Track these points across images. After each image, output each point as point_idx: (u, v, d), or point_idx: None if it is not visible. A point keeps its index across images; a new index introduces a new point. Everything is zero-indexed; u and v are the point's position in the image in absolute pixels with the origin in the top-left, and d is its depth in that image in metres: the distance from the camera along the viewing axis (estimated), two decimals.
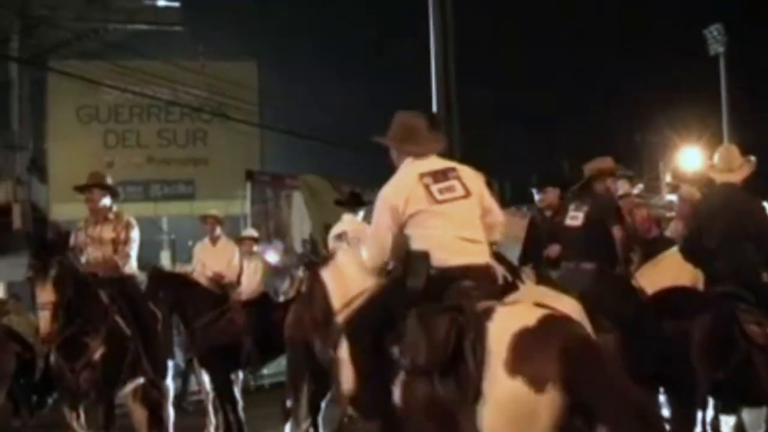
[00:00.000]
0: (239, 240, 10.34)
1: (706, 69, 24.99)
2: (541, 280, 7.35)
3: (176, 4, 24.27)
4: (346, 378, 4.76)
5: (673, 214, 9.63)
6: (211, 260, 9.97)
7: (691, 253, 6.27)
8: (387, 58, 23.35)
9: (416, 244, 4.56)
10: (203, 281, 9.72)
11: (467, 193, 4.59)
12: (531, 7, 28.05)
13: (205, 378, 9.63)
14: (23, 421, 11.21)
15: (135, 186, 21.62)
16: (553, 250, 7.40)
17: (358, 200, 9.27)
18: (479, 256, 4.54)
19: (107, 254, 7.44)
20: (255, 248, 10.05)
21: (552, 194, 8.03)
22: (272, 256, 14.09)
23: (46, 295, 6.34)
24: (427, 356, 4.21)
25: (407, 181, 4.65)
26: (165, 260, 20.98)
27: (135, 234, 7.53)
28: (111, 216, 7.53)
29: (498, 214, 4.80)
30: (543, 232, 7.87)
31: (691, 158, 23.88)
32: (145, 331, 7.23)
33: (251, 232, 10.70)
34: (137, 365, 7.18)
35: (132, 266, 7.61)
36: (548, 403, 3.93)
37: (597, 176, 7.16)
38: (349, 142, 20.12)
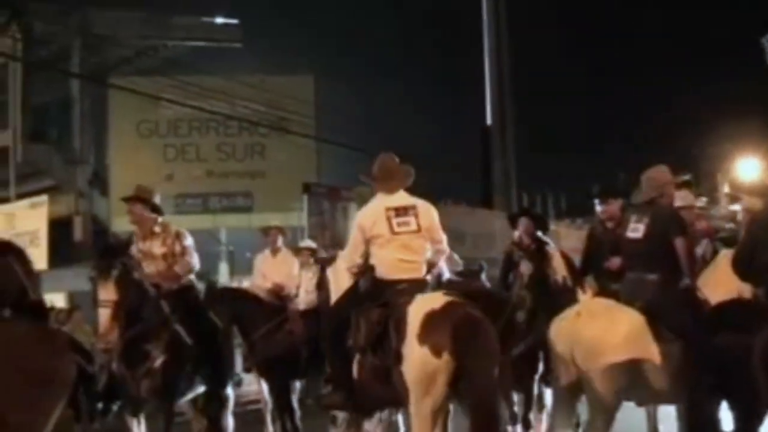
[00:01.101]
0: (297, 251, 10.42)
1: (764, 78, 24.58)
2: (603, 291, 7.36)
3: (234, 21, 24.66)
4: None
5: (732, 225, 9.50)
6: (272, 271, 10.07)
7: (741, 265, 6.17)
8: (442, 72, 23.37)
9: (371, 260, 6.20)
10: (262, 292, 9.82)
11: (418, 229, 6.13)
12: (587, 20, 27.90)
13: (264, 387, 9.73)
14: (84, 428, 11.42)
15: (194, 199, 21.98)
16: (615, 262, 7.31)
17: None
18: (413, 273, 6.14)
19: (160, 268, 7.45)
20: (311, 259, 10.11)
21: (614, 205, 7.88)
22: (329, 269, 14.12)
23: (107, 293, 6.48)
24: (364, 337, 5.99)
25: (375, 211, 6.23)
26: (223, 272, 21.24)
27: (188, 242, 7.56)
28: (157, 229, 7.54)
29: (443, 244, 6.34)
30: (604, 244, 7.76)
31: (749, 169, 23.51)
32: (205, 341, 7.30)
33: (309, 243, 10.76)
34: (197, 374, 7.28)
35: (192, 276, 7.68)
36: (444, 365, 5.53)
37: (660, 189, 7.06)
38: (402, 155, 20.17)
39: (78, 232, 22.56)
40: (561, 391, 6.50)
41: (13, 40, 22.83)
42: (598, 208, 8.07)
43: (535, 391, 8.25)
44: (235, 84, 21.08)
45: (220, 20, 24.66)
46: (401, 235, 6.09)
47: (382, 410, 7.30)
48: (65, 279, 8.21)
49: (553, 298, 7.77)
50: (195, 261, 7.55)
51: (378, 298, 6.07)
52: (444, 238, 6.34)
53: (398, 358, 5.69)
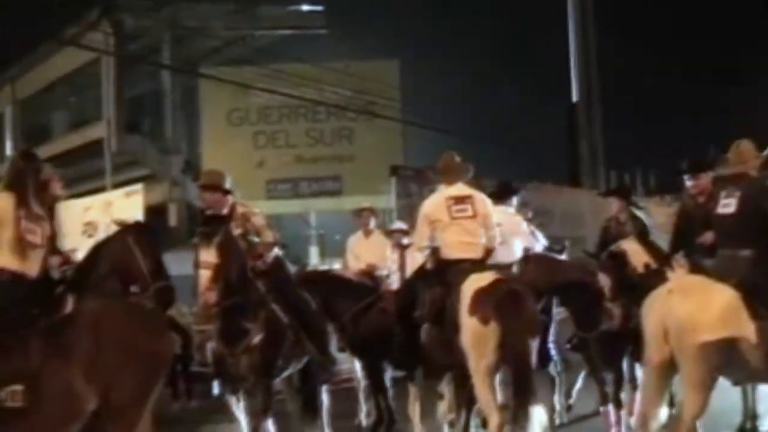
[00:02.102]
0: (388, 233, 10.52)
1: None
2: (695, 268, 7.26)
3: (319, 8, 24.87)
4: None
5: None
6: (365, 252, 10.23)
7: None
8: (526, 50, 23.16)
9: (436, 243, 7.32)
10: (355, 274, 9.97)
11: (474, 215, 7.28)
12: None
13: (357, 366, 9.89)
14: (182, 405, 11.81)
15: (284, 184, 22.33)
16: (707, 237, 7.20)
17: (509, 190, 9.31)
18: (472, 253, 7.22)
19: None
20: (404, 240, 10.23)
21: (704, 180, 7.73)
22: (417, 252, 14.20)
23: (208, 255, 6.57)
24: (428, 311, 7.17)
25: (437, 200, 7.51)
26: (313, 255, 21.52)
27: (259, 220, 7.59)
28: (225, 211, 7.57)
29: (495, 230, 7.44)
30: (695, 220, 7.62)
31: None
32: (300, 319, 7.42)
33: (400, 224, 10.85)
34: (293, 352, 7.41)
35: (279, 253, 7.74)
36: (491, 332, 6.53)
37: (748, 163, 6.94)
38: (489, 136, 20.15)
39: (172, 219, 23.10)
40: (653, 370, 6.45)
41: (104, 35, 23.42)
42: (688, 183, 7.95)
43: (626, 370, 8.25)
44: (322, 70, 21.28)
45: (305, 8, 24.90)
46: (459, 220, 7.25)
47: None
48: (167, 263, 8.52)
49: (639, 285, 7.70)
50: (270, 237, 7.59)
51: (442, 275, 7.20)
52: (495, 226, 7.47)
53: (456, 328, 6.75)
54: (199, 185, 7.83)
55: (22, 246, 5.48)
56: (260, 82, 21.02)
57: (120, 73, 24.87)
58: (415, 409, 7.88)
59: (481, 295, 6.69)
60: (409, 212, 18.37)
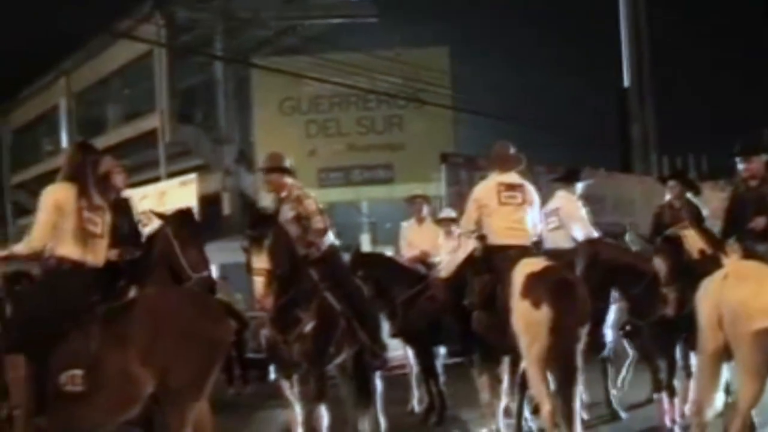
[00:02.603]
0: (438, 221, 10.56)
1: None
2: (748, 254, 7.18)
3: None
4: None
5: None
6: (417, 240, 10.29)
7: None
8: (577, 34, 22.92)
9: (483, 229, 7.43)
10: (407, 261, 10.03)
11: (523, 202, 7.38)
12: None
13: (409, 352, 9.96)
14: (237, 391, 11.99)
15: (336, 172, 22.44)
16: (759, 222, 7.13)
17: (575, 176, 9.31)
18: (519, 239, 7.31)
19: (295, 232, 7.55)
20: (453, 228, 10.26)
21: (757, 163, 7.50)
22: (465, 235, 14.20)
23: (261, 262, 6.66)
24: (478, 298, 7.31)
25: (488, 185, 7.57)
26: (365, 243, 21.60)
27: (311, 205, 7.61)
28: (284, 194, 7.70)
29: (537, 219, 7.59)
30: (747, 204, 7.50)
31: None
32: (353, 306, 7.47)
33: (450, 212, 10.89)
34: (346, 339, 7.44)
35: (330, 238, 7.75)
36: (543, 316, 6.60)
37: None
38: (539, 122, 20.04)
39: (226, 208, 23.36)
40: (707, 357, 6.42)
41: (157, 27, 23.70)
42: (740, 166, 7.71)
43: (680, 357, 8.20)
44: (372, 59, 21.29)
45: None
46: (507, 206, 7.35)
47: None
48: (216, 252, 8.66)
49: (695, 270, 7.64)
50: (319, 223, 7.59)
51: (490, 262, 7.35)
52: (542, 216, 7.79)
53: (507, 312, 6.87)
54: (263, 168, 7.87)
55: (83, 236, 5.59)
56: (312, 72, 21.12)
57: (173, 64, 25.15)
58: (483, 393, 7.86)
59: (533, 279, 6.78)
60: (459, 199, 18.37)
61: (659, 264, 7.87)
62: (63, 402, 5.34)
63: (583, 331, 6.82)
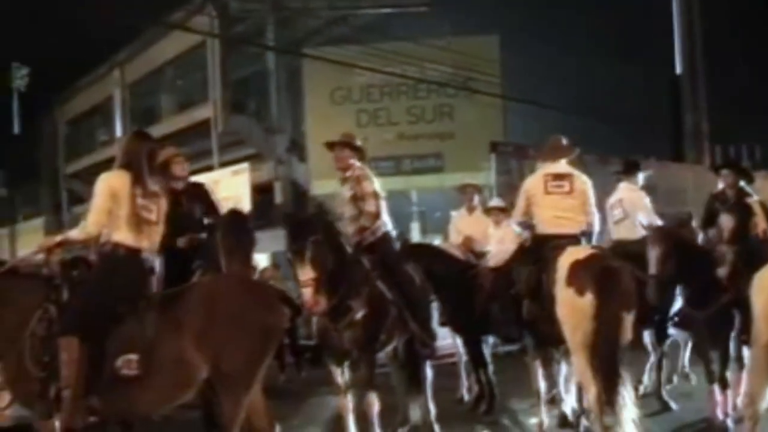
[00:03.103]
0: (487, 210, 10.59)
1: None
2: None
3: None
4: None
5: None
6: (467, 228, 10.32)
7: None
8: (628, 22, 22.66)
9: (533, 218, 7.52)
10: (457, 249, 10.07)
11: (570, 191, 7.37)
12: None
13: (458, 341, 10.01)
14: (289, 377, 12.10)
15: (387, 162, 22.43)
16: None
17: (635, 167, 9.30)
18: (566, 228, 7.30)
19: (350, 212, 7.67)
20: (502, 217, 10.27)
21: None
22: (515, 227, 14.17)
23: (305, 273, 6.67)
24: (525, 287, 7.42)
25: (537, 176, 7.64)
26: (414, 232, 21.65)
27: (368, 186, 7.61)
28: (348, 173, 7.74)
29: (591, 208, 7.49)
30: None
31: None
32: (404, 295, 7.49)
33: (499, 201, 10.90)
34: (396, 327, 7.50)
35: (385, 224, 7.74)
36: (587, 303, 6.65)
37: None
38: (590, 111, 19.88)
39: (278, 197, 23.52)
40: (760, 349, 6.37)
41: (210, 18, 23.96)
42: None
43: (733, 349, 8.14)
44: (423, 47, 21.27)
45: None
46: (553, 195, 7.41)
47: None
48: (268, 240, 8.75)
49: (756, 253, 7.60)
50: (372, 207, 7.59)
51: (537, 251, 7.43)
52: (594, 207, 7.56)
53: (552, 300, 6.94)
54: (333, 142, 7.82)
55: (137, 222, 5.71)
56: (362, 61, 21.17)
57: (225, 55, 25.38)
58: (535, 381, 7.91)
59: (578, 267, 6.84)
60: (508, 189, 18.37)
61: (726, 221, 7.86)
62: (118, 385, 5.48)
63: (628, 318, 6.81)
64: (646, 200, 9.23)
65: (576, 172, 7.59)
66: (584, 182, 7.55)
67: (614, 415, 6.65)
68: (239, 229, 7.49)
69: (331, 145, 7.85)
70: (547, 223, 7.43)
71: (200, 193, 8.01)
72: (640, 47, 22.52)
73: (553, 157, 7.69)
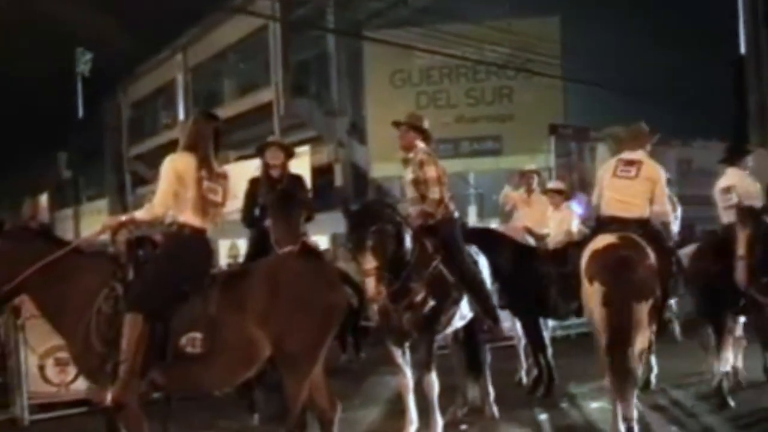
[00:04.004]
0: (545, 192, 10.58)
1: None
2: None
3: None
4: None
5: None
6: (526, 212, 10.35)
7: None
8: (691, 2, 22.27)
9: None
10: (515, 232, 10.09)
11: (636, 176, 7.35)
12: None
13: (517, 324, 10.04)
14: (350, 357, 12.25)
15: (445, 144, 22.43)
16: None
17: (740, 152, 9.22)
18: (625, 212, 7.30)
19: (412, 195, 7.68)
20: (561, 200, 10.25)
21: None
22: (576, 208, 14.11)
23: (367, 263, 6.66)
24: (573, 268, 7.39)
25: (611, 162, 7.70)
26: (471, 215, 21.62)
27: (432, 171, 7.55)
28: (411, 155, 7.70)
29: (659, 196, 7.42)
30: None
31: None
32: (465, 277, 7.49)
33: (557, 184, 10.87)
34: (457, 309, 7.50)
35: (449, 208, 7.70)
36: (595, 291, 6.86)
37: None
38: (651, 92, 19.63)
39: (338, 179, 23.66)
40: None
41: (271, 2, 24.08)
42: None
43: None
44: (483, 29, 21.18)
45: None
46: (620, 179, 7.43)
47: None
48: (328, 222, 8.81)
49: None
50: (435, 194, 7.53)
51: (597, 231, 7.44)
52: (664, 195, 7.51)
53: (579, 284, 7.18)
54: (400, 122, 7.81)
55: (203, 204, 5.78)
56: (422, 43, 21.15)
57: (287, 38, 25.58)
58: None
59: (594, 256, 7.02)
60: (567, 171, 18.33)
61: None
62: (182, 362, 5.58)
63: (640, 307, 6.80)
64: (757, 186, 9.18)
65: (649, 161, 7.54)
66: (653, 170, 7.47)
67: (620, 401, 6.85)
68: (286, 201, 7.66)
69: (397, 124, 7.85)
70: (607, 205, 7.48)
71: (295, 182, 8.41)
72: (702, 28, 22.14)
73: (632, 145, 7.66)
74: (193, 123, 6.04)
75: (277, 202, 7.90)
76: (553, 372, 9.41)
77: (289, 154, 8.56)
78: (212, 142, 5.95)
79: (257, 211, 8.31)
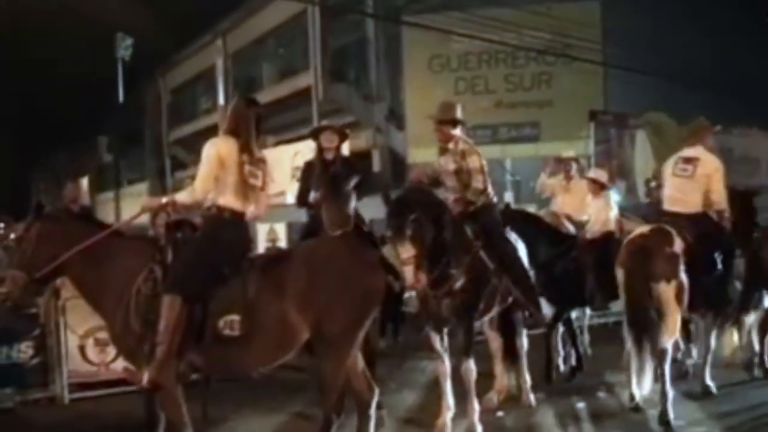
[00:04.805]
0: (585, 179, 10.47)
1: None
2: None
3: None
4: None
5: None
6: (565, 199, 10.29)
7: None
8: None
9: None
10: (554, 218, 10.04)
11: (692, 175, 7.97)
12: None
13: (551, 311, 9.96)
14: (388, 342, 12.29)
15: (483, 130, 22.29)
16: None
17: None
18: (679, 207, 7.99)
19: (452, 184, 7.69)
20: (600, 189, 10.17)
21: None
22: (615, 196, 13.97)
23: (406, 251, 6.62)
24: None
25: (671, 159, 8.30)
26: (508, 201, 21.47)
27: (475, 161, 7.58)
28: (451, 146, 7.71)
29: (714, 193, 7.97)
30: None
31: None
32: (506, 263, 7.49)
33: (598, 173, 10.78)
34: (496, 296, 7.53)
35: (489, 195, 7.74)
36: (620, 277, 7.86)
37: None
38: (694, 78, 19.39)
39: (376, 164, 23.65)
40: None
41: None
42: None
43: None
44: (522, 13, 20.99)
45: None
46: (677, 177, 8.06)
47: None
48: (366, 207, 8.83)
49: None
50: (479, 183, 7.57)
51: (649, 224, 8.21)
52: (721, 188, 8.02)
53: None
54: (435, 120, 7.80)
55: (244, 188, 5.82)
56: (461, 28, 21.02)
57: (326, 23, 25.55)
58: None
59: (625, 245, 7.95)
60: (607, 157, 18.15)
61: None
62: (220, 345, 5.64)
63: (659, 287, 7.46)
64: None
65: (706, 157, 8.10)
66: (710, 164, 8.05)
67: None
68: (338, 193, 7.70)
69: (433, 120, 7.84)
70: (665, 201, 8.21)
71: (349, 164, 8.56)
72: (745, 12, 21.80)
73: (692, 141, 8.25)
74: (233, 107, 6.05)
75: (329, 186, 7.94)
76: (582, 360, 9.52)
77: (344, 137, 8.56)
78: (253, 127, 5.97)
79: (311, 195, 8.36)
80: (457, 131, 7.75)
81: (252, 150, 5.92)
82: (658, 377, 7.53)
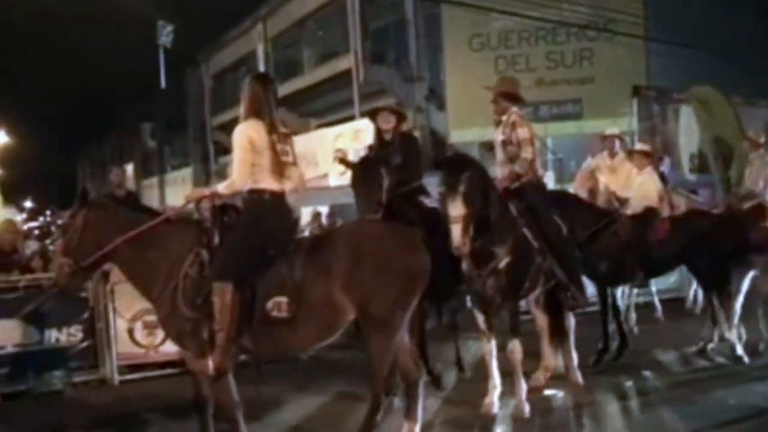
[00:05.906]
0: (630, 153, 10.40)
1: None
2: None
3: None
4: None
5: None
6: (609, 175, 10.20)
7: None
8: None
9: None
10: (596, 196, 9.96)
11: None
12: None
13: (593, 290, 9.88)
14: (434, 323, 12.30)
15: (525, 108, 22.14)
16: None
17: None
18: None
19: (501, 157, 7.72)
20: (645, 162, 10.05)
21: None
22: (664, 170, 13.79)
23: (456, 209, 6.65)
24: None
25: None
26: (549, 180, 21.31)
27: (525, 132, 7.60)
28: (504, 118, 7.75)
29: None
30: None
31: None
32: (550, 242, 7.45)
33: (643, 146, 10.65)
34: (541, 275, 7.50)
35: (536, 171, 7.73)
36: None
37: None
38: (738, 53, 19.08)
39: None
40: None
41: None
42: None
43: None
44: None
45: None
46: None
47: None
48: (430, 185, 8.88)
49: None
50: (528, 153, 7.56)
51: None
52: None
53: None
54: (494, 92, 7.86)
55: (279, 167, 5.85)
56: (501, 5, 20.87)
57: (364, 5, 25.53)
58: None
59: None
60: (650, 134, 17.93)
61: None
62: (268, 326, 5.70)
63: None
64: None
65: None
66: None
67: None
68: (366, 170, 7.71)
69: (491, 92, 7.88)
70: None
71: (408, 143, 8.41)
72: None
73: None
74: (251, 90, 6.02)
75: (358, 171, 7.91)
76: (627, 338, 9.44)
77: (401, 118, 8.52)
78: (274, 104, 5.99)
79: None
80: (512, 105, 7.77)
81: (278, 128, 5.94)
82: None
